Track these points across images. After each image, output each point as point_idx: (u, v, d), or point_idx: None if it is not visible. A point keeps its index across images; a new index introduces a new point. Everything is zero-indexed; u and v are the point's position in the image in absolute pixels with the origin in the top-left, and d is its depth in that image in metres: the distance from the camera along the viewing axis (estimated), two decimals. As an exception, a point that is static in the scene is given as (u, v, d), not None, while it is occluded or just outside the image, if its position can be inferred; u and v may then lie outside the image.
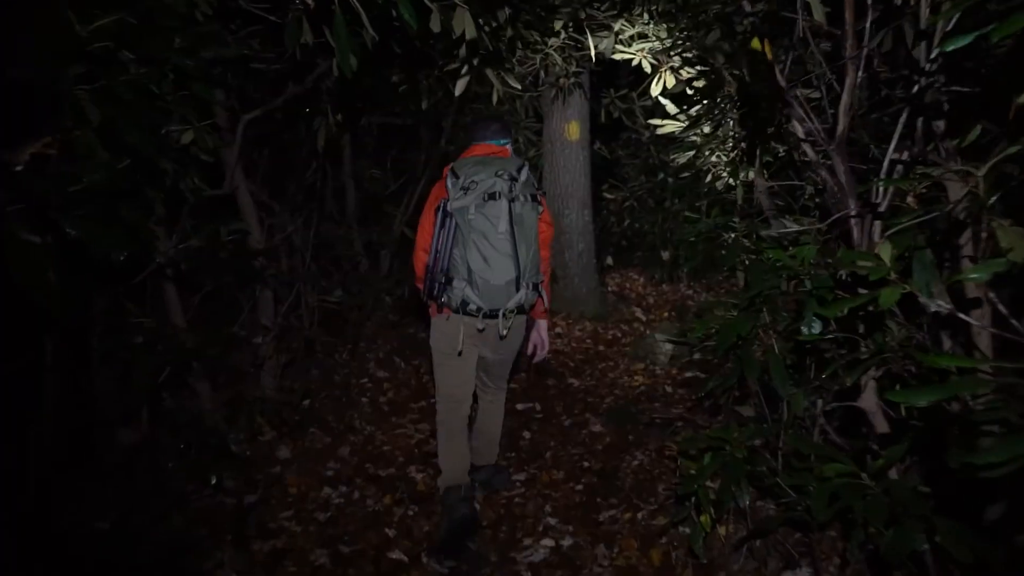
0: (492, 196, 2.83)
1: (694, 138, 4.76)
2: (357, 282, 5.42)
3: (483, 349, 3.17)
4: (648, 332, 6.38)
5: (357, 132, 5.78)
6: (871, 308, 2.02)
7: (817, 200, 3.44)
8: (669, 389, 4.91)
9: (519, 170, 2.95)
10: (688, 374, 5.12)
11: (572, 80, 6.01)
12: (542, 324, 3.34)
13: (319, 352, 4.92)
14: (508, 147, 3.17)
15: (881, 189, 2.15)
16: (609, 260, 7.74)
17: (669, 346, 5.50)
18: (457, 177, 2.90)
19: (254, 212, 4.12)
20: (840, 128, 2.24)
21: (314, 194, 4.94)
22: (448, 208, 2.90)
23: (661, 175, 7.52)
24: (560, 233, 6.74)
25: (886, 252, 1.69)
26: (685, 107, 4.58)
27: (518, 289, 2.90)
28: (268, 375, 4.24)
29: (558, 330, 6.51)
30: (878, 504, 1.93)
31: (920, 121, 2.20)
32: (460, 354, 3.08)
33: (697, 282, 7.75)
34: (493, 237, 2.82)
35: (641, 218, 7.83)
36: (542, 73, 5.74)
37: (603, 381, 5.24)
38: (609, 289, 7.43)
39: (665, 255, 7.61)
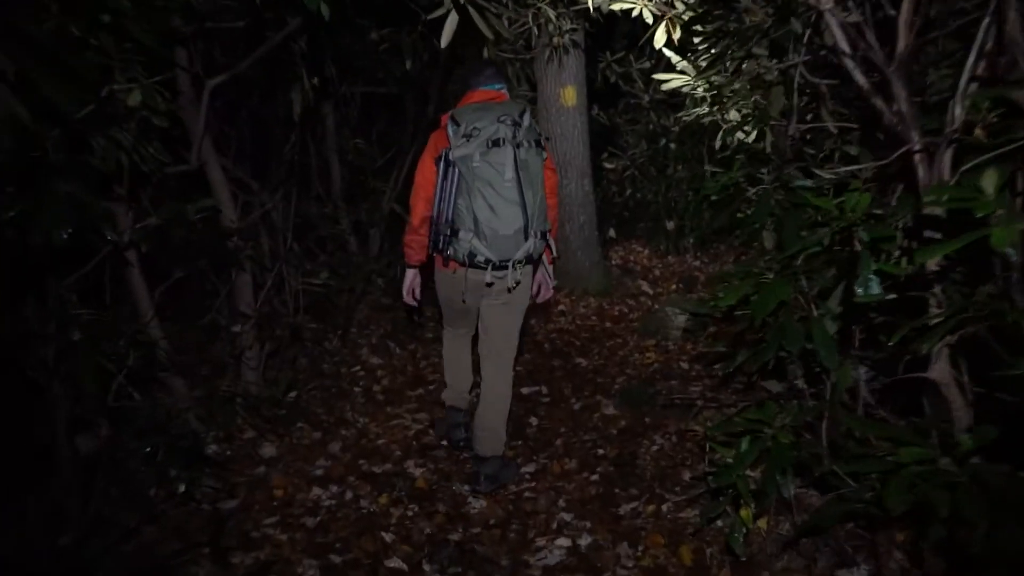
0: (496, 143, 2.75)
1: (701, 92, 4.37)
2: (345, 264, 5.06)
3: (489, 303, 3.12)
4: (656, 306, 6.05)
5: (339, 102, 5.39)
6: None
7: (843, 146, 3.06)
8: (685, 366, 4.56)
9: (521, 115, 2.86)
10: (705, 348, 4.77)
11: (567, 37, 5.60)
12: (548, 265, 3.25)
13: (306, 340, 4.55)
14: (504, 91, 3.10)
15: (957, 112, 1.77)
16: (611, 232, 7.36)
17: (682, 319, 5.15)
18: (458, 124, 2.82)
19: (226, 188, 3.74)
20: (901, 46, 1.87)
21: (294, 169, 4.55)
22: (450, 157, 2.82)
23: (663, 141, 7.13)
24: (560, 204, 6.37)
25: (991, 181, 1.33)
26: (691, 55, 4.17)
27: (527, 238, 2.84)
28: (249, 367, 3.87)
29: (561, 307, 6.15)
30: (972, 496, 1.58)
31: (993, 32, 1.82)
32: (464, 302, 3.09)
33: (704, 252, 7.38)
34: (499, 185, 2.75)
35: (643, 187, 7.44)
36: (534, 31, 5.33)
37: (612, 360, 4.88)
38: (613, 263, 7.07)
39: (670, 225, 7.24)
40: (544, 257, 3.17)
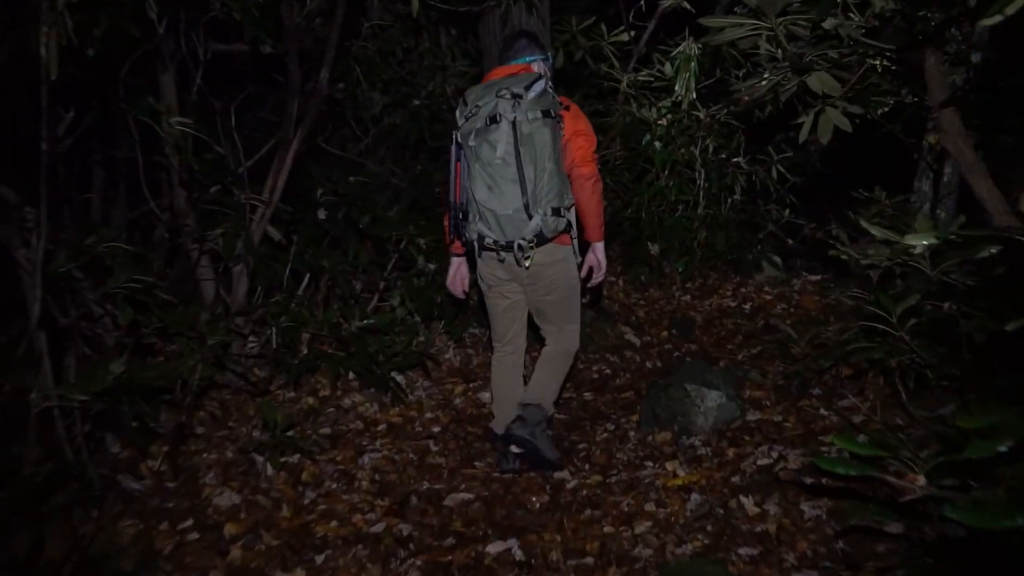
0: (493, 119, 2.67)
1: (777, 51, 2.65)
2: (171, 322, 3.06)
3: (522, 289, 3.04)
4: (648, 363, 4.32)
5: (177, 65, 3.41)
6: None
7: None
8: (751, 504, 2.78)
9: (528, 87, 2.72)
10: (760, 454, 3.03)
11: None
12: (597, 246, 3.09)
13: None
14: (536, 64, 2.98)
15: None
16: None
17: (713, 399, 3.42)
18: (465, 104, 2.82)
19: None
20: None
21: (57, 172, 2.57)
22: (458, 138, 2.82)
23: (646, 138, 5.39)
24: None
25: None
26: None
27: (530, 217, 2.72)
28: None
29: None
30: None
31: None
32: (492, 290, 3.08)
33: (692, 282, 5.71)
34: (498, 163, 2.67)
35: (616, 199, 5.70)
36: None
37: (614, 483, 3.09)
38: (582, 301, 5.29)
39: (654, 248, 5.51)
40: (597, 244, 3.07)
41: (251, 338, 3.59)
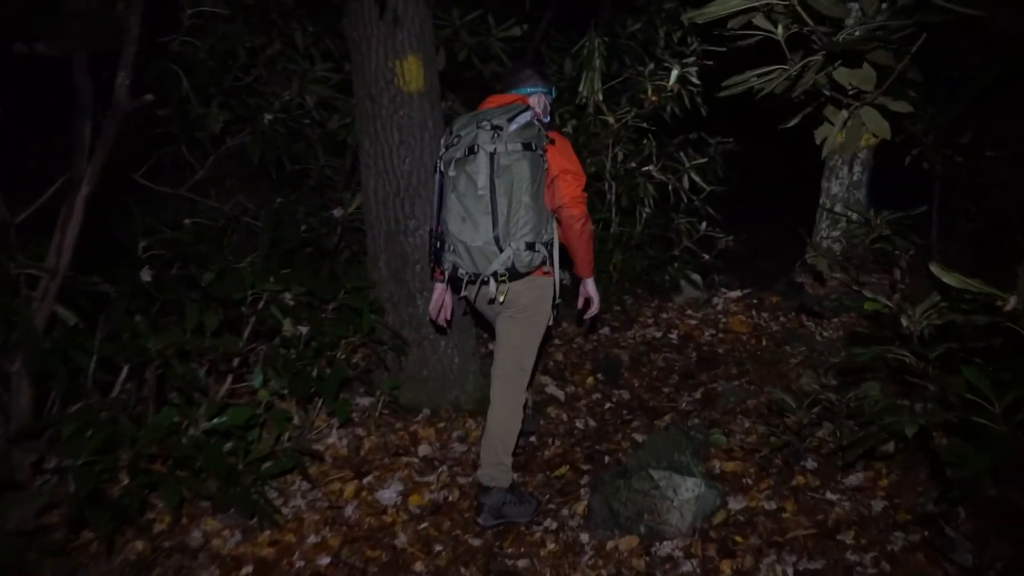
0: (472, 150, 2.64)
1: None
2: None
3: (498, 315, 2.94)
4: (582, 422, 3.55)
5: None
6: None
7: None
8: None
9: (512, 119, 2.66)
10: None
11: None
12: (588, 281, 3.06)
13: None
14: (534, 96, 2.91)
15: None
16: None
17: (690, 490, 2.65)
18: (450, 132, 2.79)
19: None
20: None
21: None
22: (440, 166, 2.79)
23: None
24: (410, 266, 3.66)
25: None
26: None
27: (501, 250, 2.63)
28: None
29: (424, 450, 3.45)
30: None
31: None
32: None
33: (612, 312, 5.00)
34: (473, 194, 2.62)
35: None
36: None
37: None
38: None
39: (564, 278, 4.72)
40: (586, 280, 3.05)
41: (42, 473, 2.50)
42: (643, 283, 5.26)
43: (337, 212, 4.16)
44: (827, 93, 2.12)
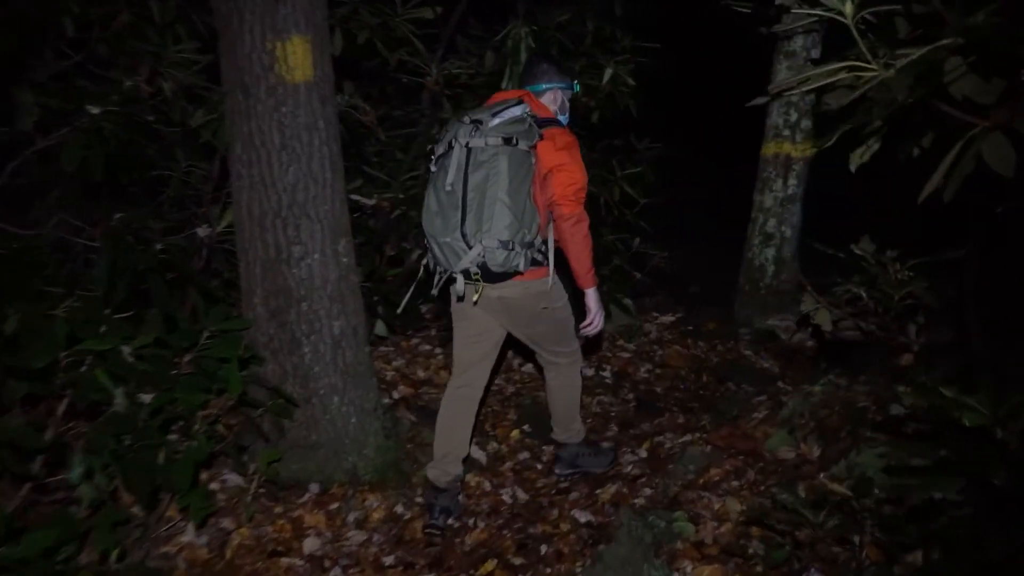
0: (450, 145, 2.60)
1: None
2: None
3: (497, 323, 2.88)
4: (509, 495, 2.92)
5: None
6: None
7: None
8: None
9: (496, 113, 2.58)
10: None
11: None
12: (589, 293, 2.85)
13: None
14: (547, 92, 2.84)
15: None
16: (379, 328, 3.92)
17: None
18: (446, 130, 2.73)
19: None
20: None
21: None
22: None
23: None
24: (295, 301, 2.88)
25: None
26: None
27: (469, 245, 2.53)
28: None
29: (311, 545, 2.69)
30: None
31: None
32: (458, 316, 2.91)
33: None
34: (444, 188, 2.55)
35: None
36: None
37: None
38: (395, 395, 3.69)
39: (484, 306, 4.03)
40: (588, 291, 2.84)
41: None
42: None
43: (203, 231, 3.32)
44: (946, 109, 1.49)
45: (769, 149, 5.62)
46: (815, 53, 5.46)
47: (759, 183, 5.74)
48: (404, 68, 3.99)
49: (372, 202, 3.89)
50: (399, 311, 3.13)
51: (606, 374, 4.21)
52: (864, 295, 2.71)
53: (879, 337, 2.54)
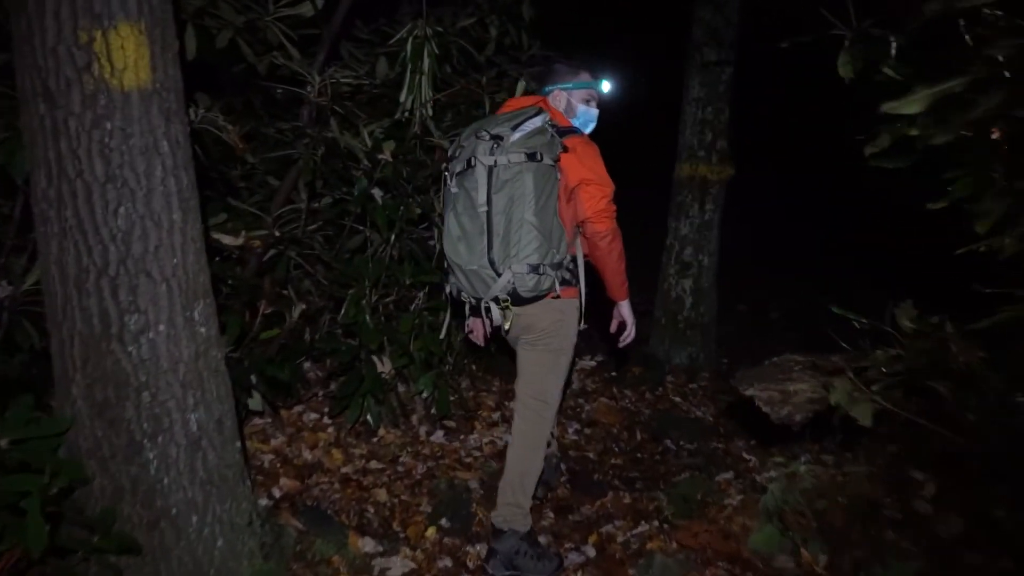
0: (469, 163, 2.40)
1: None
2: None
3: (519, 341, 2.71)
4: None
5: None
6: None
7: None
8: None
9: (516, 126, 2.40)
10: None
11: None
12: (622, 304, 2.80)
13: None
14: (553, 93, 2.70)
15: None
16: (252, 401, 3.10)
17: None
18: (458, 143, 2.56)
19: None
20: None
21: None
22: (445, 179, 2.58)
23: (361, 181, 3.14)
24: (116, 395, 2.05)
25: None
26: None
27: (499, 273, 2.37)
28: None
29: None
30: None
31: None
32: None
33: (445, 407, 3.64)
34: (471, 212, 2.39)
35: (316, 290, 3.36)
36: None
37: None
38: (276, 495, 2.88)
39: (384, 366, 3.29)
40: (621, 303, 2.79)
41: None
42: (482, 363, 3.98)
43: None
44: None
45: (684, 171, 5.21)
46: (728, 69, 5.12)
47: (673, 208, 5.32)
48: (277, 76, 3.22)
49: (239, 242, 3.07)
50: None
51: (530, 439, 3.58)
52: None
53: (930, 430, 2.02)
